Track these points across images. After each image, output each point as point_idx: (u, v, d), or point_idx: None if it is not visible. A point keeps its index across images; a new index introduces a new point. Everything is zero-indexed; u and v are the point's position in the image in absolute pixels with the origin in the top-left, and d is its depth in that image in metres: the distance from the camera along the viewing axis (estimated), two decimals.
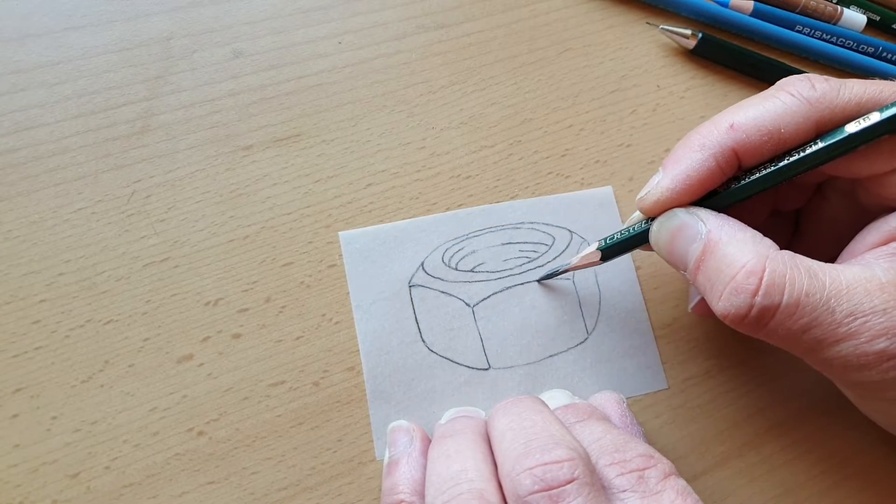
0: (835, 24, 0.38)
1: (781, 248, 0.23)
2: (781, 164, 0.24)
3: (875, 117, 0.23)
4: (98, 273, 0.28)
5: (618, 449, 0.22)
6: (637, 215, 0.26)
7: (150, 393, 0.27)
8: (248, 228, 0.29)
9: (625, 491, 0.21)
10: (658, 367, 0.29)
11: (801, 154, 0.23)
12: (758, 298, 0.21)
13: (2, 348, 0.27)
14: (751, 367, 0.30)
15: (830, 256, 0.28)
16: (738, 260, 0.22)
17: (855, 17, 0.38)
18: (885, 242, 0.23)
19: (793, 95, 0.24)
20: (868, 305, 0.21)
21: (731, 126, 0.24)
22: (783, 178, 0.24)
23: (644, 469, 0.21)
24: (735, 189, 0.24)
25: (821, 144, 0.23)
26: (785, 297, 0.21)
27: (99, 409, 0.26)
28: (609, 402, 0.27)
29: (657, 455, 0.22)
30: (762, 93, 0.25)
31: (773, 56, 0.36)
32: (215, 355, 0.27)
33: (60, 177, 0.29)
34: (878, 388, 0.22)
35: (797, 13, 0.38)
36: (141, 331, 0.27)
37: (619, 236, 0.27)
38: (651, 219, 0.26)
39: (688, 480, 0.22)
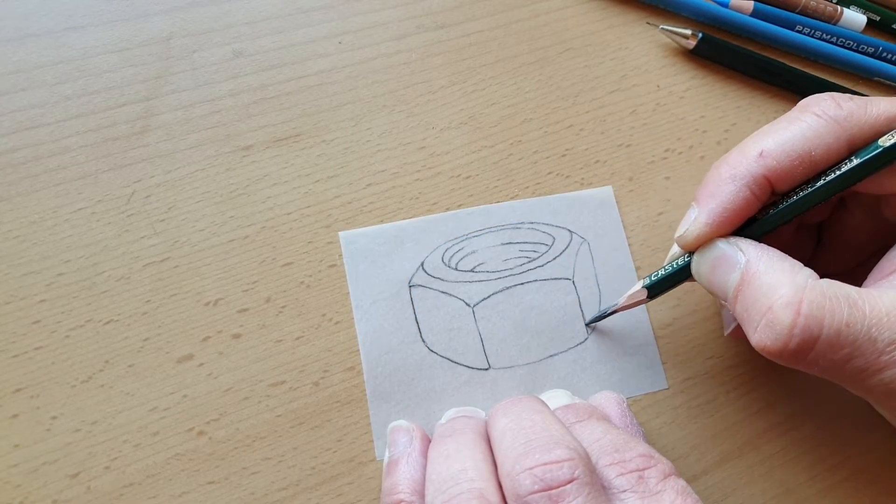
0: (835, 24, 0.38)
1: (805, 260, 0.23)
2: (818, 184, 0.23)
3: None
4: (98, 273, 0.28)
5: (617, 449, 0.22)
6: (676, 251, 0.26)
7: (150, 393, 0.27)
8: (248, 228, 0.29)
9: (625, 491, 0.21)
10: (658, 367, 0.29)
11: (837, 173, 0.23)
12: (796, 331, 0.21)
13: (2, 348, 0.27)
14: (751, 367, 0.30)
15: (852, 267, 0.28)
16: (776, 291, 0.22)
17: (855, 17, 0.38)
18: None
19: (819, 116, 0.23)
20: None
21: (761, 154, 0.24)
22: (820, 199, 0.24)
23: (644, 469, 0.21)
24: (772, 215, 0.24)
25: (856, 162, 0.23)
26: (825, 329, 0.21)
27: (99, 409, 0.26)
28: (609, 402, 0.27)
29: (657, 455, 0.22)
30: (786, 115, 0.25)
31: (773, 56, 0.36)
32: (215, 355, 0.27)
33: (60, 177, 0.29)
34: None
35: (797, 13, 0.38)
36: (141, 331, 0.27)
37: (663, 272, 0.27)
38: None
39: (688, 480, 0.22)
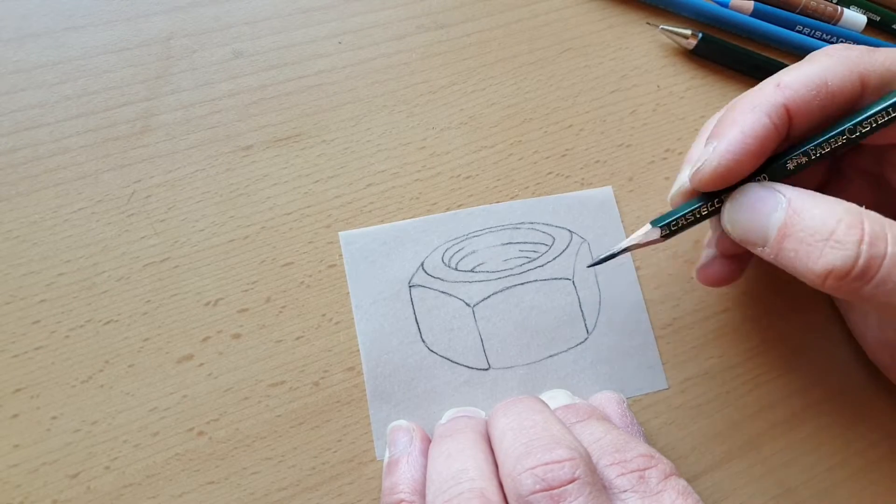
0: (835, 24, 0.38)
1: None
2: (845, 126, 0.23)
3: None
4: (98, 273, 0.28)
5: (618, 449, 0.22)
6: (675, 189, 0.25)
7: (150, 393, 0.27)
8: (248, 228, 0.29)
9: (625, 491, 0.21)
10: (658, 367, 0.29)
11: (862, 116, 0.23)
12: (864, 247, 0.20)
13: (2, 348, 0.27)
14: (751, 367, 0.30)
15: None
16: (833, 215, 0.21)
17: (855, 18, 0.38)
18: None
19: (831, 55, 0.24)
20: None
21: (779, 85, 0.23)
22: (840, 143, 0.23)
23: (645, 469, 0.21)
24: (793, 157, 0.24)
25: (878, 107, 0.23)
26: (890, 246, 0.20)
27: (99, 409, 0.26)
28: (609, 402, 0.27)
29: (658, 455, 0.22)
30: (799, 62, 0.25)
31: (773, 56, 0.36)
32: (215, 355, 0.27)
33: (60, 177, 0.29)
34: None
35: (797, 13, 0.38)
36: (141, 331, 0.27)
37: (676, 213, 0.25)
38: (703, 196, 0.24)
39: (688, 480, 0.22)
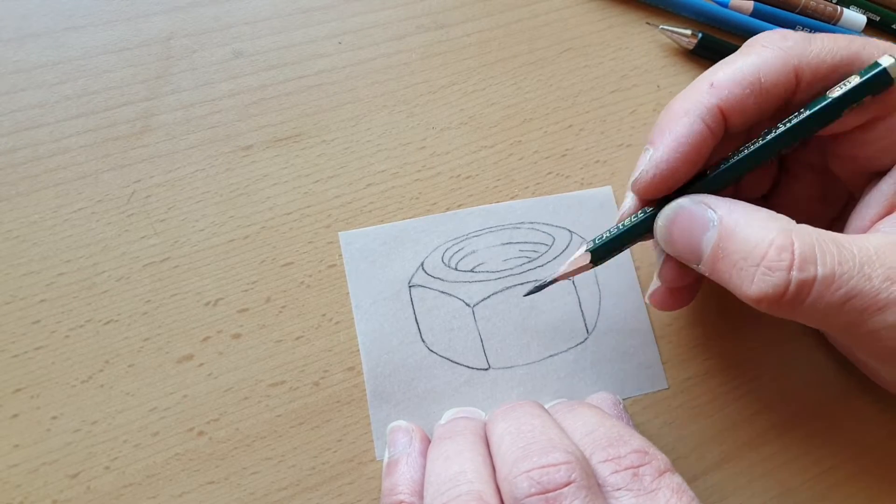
0: (835, 24, 0.38)
1: None
2: (770, 137, 0.23)
3: (855, 80, 0.22)
4: (98, 273, 0.28)
5: (612, 443, 0.22)
6: (628, 205, 0.25)
7: (150, 393, 0.27)
8: (248, 228, 0.29)
9: (619, 489, 0.21)
10: (658, 367, 0.29)
11: (790, 124, 0.23)
12: (794, 273, 0.20)
13: (2, 348, 0.27)
14: (751, 366, 0.30)
15: None
16: (764, 238, 0.21)
17: (855, 18, 0.38)
18: (889, 212, 0.23)
19: (766, 47, 0.23)
20: None
21: (712, 85, 0.23)
22: (772, 153, 0.23)
23: (639, 466, 0.21)
24: (726, 168, 0.23)
25: (807, 112, 0.23)
26: (819, 268, 0.20)
27: (99, 409, 0.26)
28: (605, 402, 0.27)
29: (652, 450, 0.22)
30: (735, 52, 0.24)
31: None
32: (215, 355, 0.27)
33: (60, 177, 0.29)
34: None
35: (797, 13, 0.38)
36: (141, 331, 0.27)
37: (608, 234, 0.25)
38: (645, 210, 0.25)
39: (688, 480, 0.22)
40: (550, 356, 0.29)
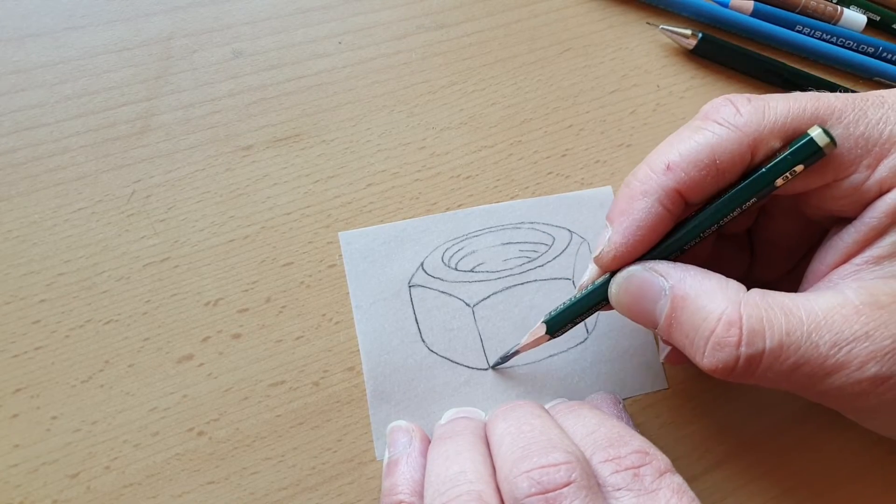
0: (835, 24, 0.38)
1: (743, 270, 0.23)
2: (722, 199, 0.23)
3: (783, 153, 0.22)
4: (98, 273, 0.28)
5: (612, 444, 0.22)
6: (588, 277, 0.26)
7: (150, 393, 0.27)
8: (248, 228, 0.29)
9: (619, 489, 0.21)
10: (658, 367, 0.29)
11: (725, 197, 0.23)
12: (742, 349, 0.21)
13: (2, 348, 0.27)
14: None
15: (789, 270, 0.28)
16: (713, 312, 0.21)
17: (855, 17, 0.38)
18: (846, 260, 0.23)
19: (720, 124, 0.23)
20: (849, 332, 0.20)
21: (668, 167, 0.23)
22: (727, 213, 0.23)
23: (639, 466, 0.21)
24: (683, 234, 0.24)
25: (739, 186, 0.23)
26: (767, 341, 0.21)
27: (99, 409, 0.26)
28: (605, 402, 0.27)
29: (652, 450, 0.22)
30: (689, 124, 0.25)
31: (773, 56, 0.36)
32: (215, 355, 0.27)
33: (60, 177, 0.29)
34: (879, 410, 0.22)
35: (797, 13, 0.38)
36: (141, 331, 0.27)
37: (564, 305, 0.26)
38: (605, 277, 0.25)
39: (688, 480, 0.22)
40: (550, 356, 0.29)
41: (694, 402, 0.29)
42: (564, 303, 0.26)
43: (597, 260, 0.25)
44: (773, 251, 0.28)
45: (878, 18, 0.39)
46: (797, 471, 0.28)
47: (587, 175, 0.32)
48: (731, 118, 0.23)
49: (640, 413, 0.29)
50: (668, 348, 0.27)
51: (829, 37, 0.37)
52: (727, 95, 0.24)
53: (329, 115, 0.32)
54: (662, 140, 0.33)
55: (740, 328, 0.21)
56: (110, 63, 0.31)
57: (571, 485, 0.20)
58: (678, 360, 0.27)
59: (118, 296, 0.28)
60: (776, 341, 0.21)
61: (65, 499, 0.25)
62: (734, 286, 0.22)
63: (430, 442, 0.26)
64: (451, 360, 0.28)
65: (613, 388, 0.29)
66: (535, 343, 0.27)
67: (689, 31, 0.35)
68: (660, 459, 0.22)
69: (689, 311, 0.22)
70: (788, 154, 0.22)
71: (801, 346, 0.21)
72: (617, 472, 0.21)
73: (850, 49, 0.37)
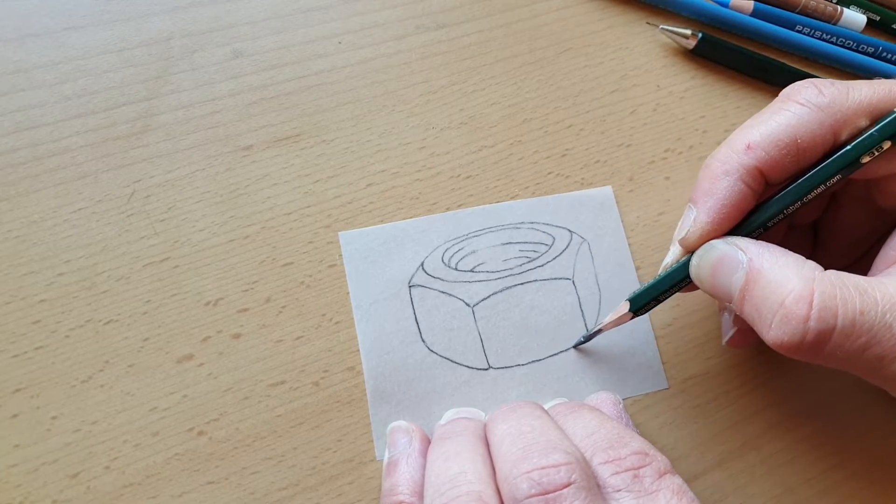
0: (835, 24, 0.38)
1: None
2: (805, 177, 0.24)
3: (871, 129, 0.23)
4: (98, 273, 0.28)
5: (612, 445, 0.22)
6: (671, 258, 0.26)
7: (150, 393, 0.27)
8: (248, 228, 0.29)
9: (619, 490, 0.21)
10: (658, 367, 0.29)
11: (822, 165, 0.23)
12: (811, 324, 0.21)
13: (2, 348, 0.27)
14: (751, 367, 0.30)
15: (852, 263, 0.28)
16: (785, 286, 0.21)
17: (855, 17, 0.38)
18: None
19: (802, 105, 0.23)
20: None
21: (749, 146, 0.24)
22: (809, 191, 0.23)
23: (639, 468, 0.21)
24: (765, 211, 0.24)
25: (826, 163, 0.23)
26: (839, 319, 0.21)
27: (99, 409, 0.26)
28: (605, 402, 0.27)
29: (652, 451, 0.22)
30: (771, 105, 0.25)
31: (773, 56, 0.36)
32: (215, 355, 0.27)
33: (60, 177, 0.29)
34: None
35: (797, 13, 0.38)
36: (141, 331, 0.27)
37: (647, 285, 0.26)
38: (688, 257, 0.25)
39: (688, 480, 0.22)
40: (550, 356, 0.29)
41: (694, 402, 0.29)
42: (646, 284, 0.26)
43: (682, 241, 0.25)
44: (840, 243, 0.29)
45: (878, 18, 0.39)
46: (797, 471, 0.28)
47: (587, 175, 0.32)
48: (814, 98, 0.23)
49: (640, 413, 0.29)
50: (733, 330, 0.28)
51: (828, 37, 0.37)
52: (810, 79, 0.24)
53: (329, 115, 0.32)
54: (662, 140, 0.33)
55: (811, 303, 0.21)
56: (110, 63, 0.31)
57: (571, 486, 0.20)
58: (741, 343, 0.27)
59: (118, 296, 0.28)
60: (849, 319, 0.21)
61: (65, 499, 0.25)
62: (811, 265, 0.22)
63: (430, 442, 0.26)
64: (451, 360, 0.28)
65: (613, 388, 0.29)
66: (618, 322, 0.27)
67: (689, 31, 0.35)
68: (659, 460, 0.22)
69: (763, 284, 0.22)
70: (875, 130, 0.22)
71: (875, 326, 0.20)
72: (617, 473, 0.21)
73: (850, 49, 0.37)
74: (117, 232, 0.29)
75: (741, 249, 0.23)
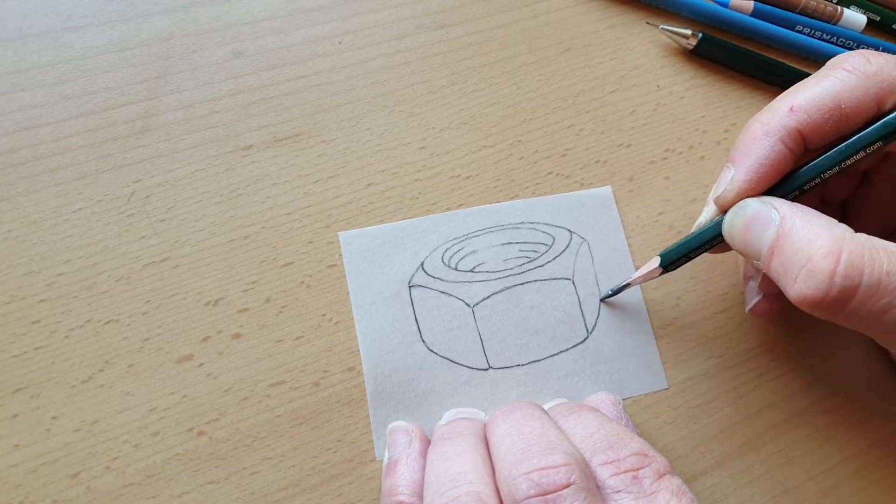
0: (835, 24, 0.38)
1: None
2: (848, 141, 0.24)
3: None
4: (98, 273, 0.28)
5: (611, 446, 0.22)
6: (706, 218, 0.26)
7: (150, 393, 0.27)
8: (248, 228, 0.29)
9: (619, 492, 0.21)
10: (658, 367, 0.29)
11: (867, 130, 0.23)
12: (836, 279, 0.21)
13: (2, 348, 0.27)
14: (751, 367, 0.30)
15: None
16: (815, 242, 0.21)
17: (855, 17, 0.38)
18: None
19: (849, 71, 0.24)
20: None
21: (791, 109, 0.24)
22: (850, 156, 0.23)
23: (638, 469, 0.21)
24: (802, 173, 0.24)
25: (873, 132, 0.23)
26: (865, 277, 0.21)
27: (99, 409, 0.26)
28: (604, 402, 0.27)
29: (652, 452, 0.22)
30: (817, 73, 0.25)
31: (773, 56, 0.36)
32: (215, 355, 0.27)
33: (60, 177, 0.29)
34: None
35: (797, 13, 0.38)
36: (141, 331, 0.27)
37: (678, 243, 0.27)
38: (721, 216, 0.25)
39: (687, 480, 0.22)
40: (550, 356, 0.29)
41: (694, 402, 0.29)
42: (678, 243, 0.27)
43: (717, 199, 0.25)
44: (869, 221, 0.29)
45: (878, 18, 0.39)
46: (797, 471, 0.28)
47: (587, 175, 0.32)
48: (861, 66, 0.24)
49: (640, 413, 0.29)
50: (758, 297, 0.28)
51: (829, 37, 0.37)
52: (859, 50, 0.25)
53: (329, 115, 0.32)
54: (662, 140, 0.33)
55: (838, 259, 0.21)
56: (110, 63, 0.31)
57: (571, 486, 0.20)
58: (765, 311, 0.28)
59: (118, 296, 0.28)
60: (875, 279, 0.21)
61: (65, 499, 0.25)
62: (842, 226, 0.22)
63: (429, 442, 0.26)
64: (451, 360, 0.28)
65: (613, 388, 0.29)
66: (648, 276, 0.28)
67: (689, 31, 0.35)
68: (659, 461, 0.22)
69: (793, 240, 0.22)
70: None
71: None
72: (616, 474, 0.21)
73: (851, 49, 0.37)
74: (117, 232, 0.29)
75: (775, 208, 0.23)
